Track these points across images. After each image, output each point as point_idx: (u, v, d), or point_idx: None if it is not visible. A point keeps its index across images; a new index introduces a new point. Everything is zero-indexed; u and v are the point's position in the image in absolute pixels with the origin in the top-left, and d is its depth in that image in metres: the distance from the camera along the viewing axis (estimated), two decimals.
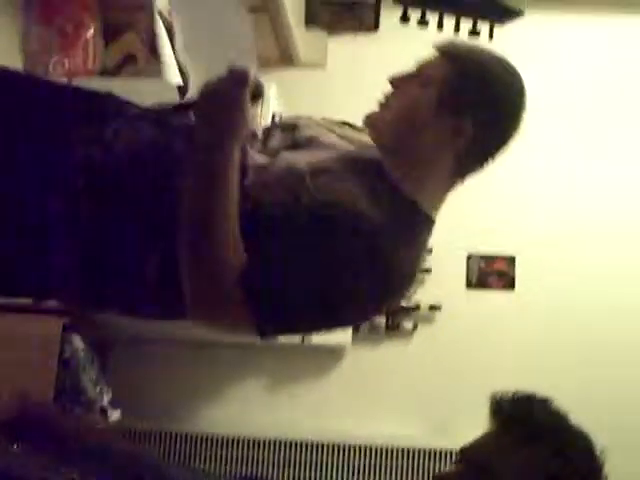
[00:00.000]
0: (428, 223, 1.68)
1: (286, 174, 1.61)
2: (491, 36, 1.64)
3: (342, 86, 4.27)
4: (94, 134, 1.70)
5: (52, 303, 2.68)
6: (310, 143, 1.74)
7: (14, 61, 3.80)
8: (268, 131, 1.83)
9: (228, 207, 1.55)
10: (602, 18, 4.42)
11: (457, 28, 1.63)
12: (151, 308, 1.76)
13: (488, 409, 1.60)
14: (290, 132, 1.78)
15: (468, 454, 1.59)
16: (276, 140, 1.77)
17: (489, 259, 4.21)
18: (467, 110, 1.62)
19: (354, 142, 1.77)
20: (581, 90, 4.36)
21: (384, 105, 1.70)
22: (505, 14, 1.62)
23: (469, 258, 4.21)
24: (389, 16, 4.21)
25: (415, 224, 1.64)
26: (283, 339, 3.82)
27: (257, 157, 1.69)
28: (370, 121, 1.72)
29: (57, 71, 3.87)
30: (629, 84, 4.38)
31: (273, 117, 3.47)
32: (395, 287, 1.64)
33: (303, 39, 4.31)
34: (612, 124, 4.34)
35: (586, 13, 4.42)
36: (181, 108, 1.77)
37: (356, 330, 4.06)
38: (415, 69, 1.69)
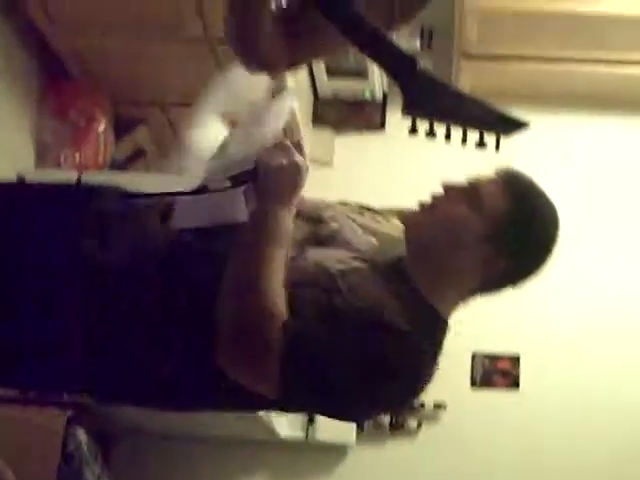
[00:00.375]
0: (444, 327, 1.70)
1: (317, 273, 1.63)
2: (497, 147, 1.68)
3: (348, 184, 4.31)
4: (98, 232, 1.70)
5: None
6: (333, 239, 1.75)
7: (26, 151, 3.88)
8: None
9: (278, 261, 1.57)
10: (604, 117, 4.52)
11: (464, 140, 1.66)
12: (164, 404, 1.77)
13: None
14: (313, 224, 1.78)
15: None
16: (298, 230, 1.72)
17: (493, 358, 4.22)
18: (508, 249, 1.67)
19: (377, 235, 1.78)
20: (579, 189, 4.39)
21: (428, 207, 1.73)
22: (511, 126, 1.65)
23: (474, 357, 4.22)
24: (395, 115, 4.29)
25: (435, 329, 1.67)
26: (288, 435, 3.83)
27: None
28: (409, 221, 1.75)
29: (68, 163, 3.94)
30: (626, 184, 4.45)
31: None
32: (413, 391, 1.67)
33: (310, 137, 4.38)
34: (612, 224, 4.39)
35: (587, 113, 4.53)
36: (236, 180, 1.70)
37: (360, 428, 4.04)
38: (470, 185, 1.71)
